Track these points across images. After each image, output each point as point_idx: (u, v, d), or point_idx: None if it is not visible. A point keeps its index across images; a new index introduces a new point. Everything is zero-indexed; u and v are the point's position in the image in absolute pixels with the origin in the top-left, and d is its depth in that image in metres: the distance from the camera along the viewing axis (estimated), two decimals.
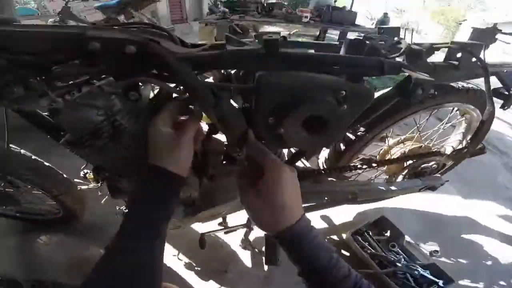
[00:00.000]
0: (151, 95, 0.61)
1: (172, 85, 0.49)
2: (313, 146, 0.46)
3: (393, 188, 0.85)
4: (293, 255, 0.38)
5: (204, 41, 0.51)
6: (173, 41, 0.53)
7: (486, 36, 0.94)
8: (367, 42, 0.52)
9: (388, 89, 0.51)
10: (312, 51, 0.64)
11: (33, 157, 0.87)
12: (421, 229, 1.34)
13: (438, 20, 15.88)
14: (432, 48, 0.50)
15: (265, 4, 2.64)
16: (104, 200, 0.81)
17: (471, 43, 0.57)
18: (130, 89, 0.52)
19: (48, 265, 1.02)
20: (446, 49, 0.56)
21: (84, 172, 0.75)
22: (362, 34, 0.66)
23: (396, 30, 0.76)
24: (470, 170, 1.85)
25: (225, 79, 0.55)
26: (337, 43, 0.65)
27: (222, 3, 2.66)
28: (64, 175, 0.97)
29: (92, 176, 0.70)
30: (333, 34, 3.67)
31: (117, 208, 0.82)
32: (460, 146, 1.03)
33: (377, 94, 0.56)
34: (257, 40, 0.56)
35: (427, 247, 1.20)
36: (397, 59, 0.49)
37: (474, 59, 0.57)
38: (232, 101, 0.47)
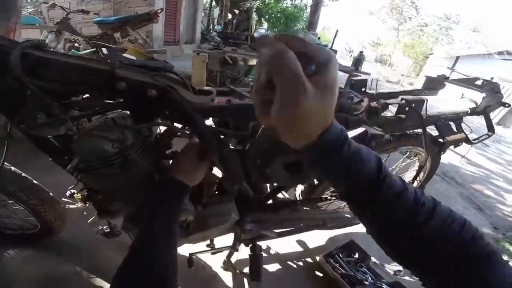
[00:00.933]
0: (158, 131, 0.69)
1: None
2: (291, 183, 0.57)
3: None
4: (334, 166, 0.29)
5: (209, 88, 0.62)
6: (187, 88, 0.64)
7: (436, 83, 1.16)
8: (341, 93, 0.68)
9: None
10: None
11: (23, 174, 0.89)
12: (383, 253, 1.45)
13: (409, 54, 17.68)
14: (386, 105, 0.66)
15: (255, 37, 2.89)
16: (90, 220, 0.81)
17: (416, 99, 0.74)
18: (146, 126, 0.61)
19: (15, 280, 0.98)
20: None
21: (71, 192, 0.76)
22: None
23: (364, 82, 0.93)
24: None
25: (223, 123, 0.66)
26: None
27: (217, 33, 2.86)
28: (50, 193, 0.97)
29: (79, 197, 0.73)
30: None
31: (99, 228, 0.85)
32: (415, 182, 1.22)
33: None
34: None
35: (391, 267, 1.31)
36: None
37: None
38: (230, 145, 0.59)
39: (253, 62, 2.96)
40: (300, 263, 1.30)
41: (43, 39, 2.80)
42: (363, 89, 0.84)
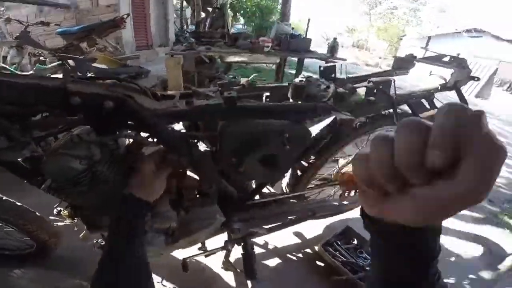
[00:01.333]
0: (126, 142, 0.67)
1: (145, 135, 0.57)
2: (268, 179, 0.56)
3: (345, 202, 0.99)
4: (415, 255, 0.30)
5: (173, 92, 0.60)
6: (146, 95, 0.62)
7: (405, 62, 1.18)
8: (310, 81, 0.67)
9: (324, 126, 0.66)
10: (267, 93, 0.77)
11: (4, 197, 0.91)
12: None
13: (383, 37, 18.12)
14: (354, 88, 0.66)
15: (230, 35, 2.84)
16: (81, 235, 0.81)
17: (383, 80, 0.75)
18: (111, 139, 0.58)
19: None
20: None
21: (57, 209, 0.76)
22: (306, 75, 0.82)
23: (333, 68, 0.93)
24: None
25: (193, 126, 0.64)
26: (287, 84, 0.79)
27: (189, 33, 2.78)
28: (37, 213, 0.99)
29: (66, 213, 0.73)
30: (294, 58, 4.03)
31: (94, 241, 0.83)
32: None
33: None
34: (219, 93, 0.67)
35: None
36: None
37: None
38: (203, 145, 0.57)
39: (231, 58, 2.92)
40: (300, 255, 1.30)
41: (4, 55, 2.63)
42: (332, 75, 0.84)
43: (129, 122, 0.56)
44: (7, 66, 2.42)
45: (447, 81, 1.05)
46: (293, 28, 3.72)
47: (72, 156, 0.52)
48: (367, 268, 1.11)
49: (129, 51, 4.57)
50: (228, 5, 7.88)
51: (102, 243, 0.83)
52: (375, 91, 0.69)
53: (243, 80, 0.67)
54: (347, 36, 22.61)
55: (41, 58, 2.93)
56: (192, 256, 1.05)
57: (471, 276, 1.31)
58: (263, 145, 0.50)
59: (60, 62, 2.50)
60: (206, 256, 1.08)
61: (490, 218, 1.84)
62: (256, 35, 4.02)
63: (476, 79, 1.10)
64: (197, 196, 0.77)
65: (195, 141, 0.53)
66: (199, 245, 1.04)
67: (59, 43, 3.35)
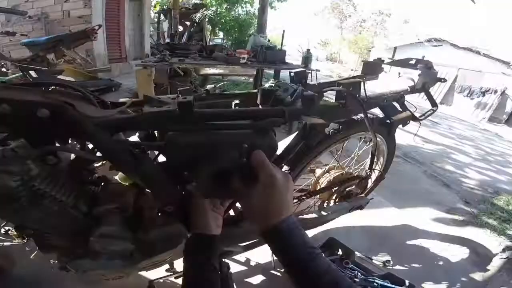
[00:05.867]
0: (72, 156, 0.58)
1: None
2: (224, 196, 0.51)
3: (324, 213, 0.95)
4: (278, 247, 0.43)
5: (125, 99, 0.54)
6: (90, 103, 0.54)
7: (374, 67, 1.19)
8: (278, 86, 0.63)
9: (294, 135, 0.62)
10: (237, 101, 0.72)
11: None
12: (368, 243, 1.43)
13: (354, 50, 19.33)
14: (322, 92, 0.64)
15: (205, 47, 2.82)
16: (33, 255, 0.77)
17: (352, 82, 0.73)
18: (47, 153, 0.50)
19: None
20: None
21: (5, 229, 0.72)
22: (274, 82, 0.79)
23: (304, 73, 0.91)
24: (397, 182, 2.11)
25: (150, 136, 0.57)
26: (256, 90, 0.75)
27: (162, 45, 2.72)
28: None
29: (15, 233, 0.68)
30: (270, 71, 4.11)
31: (51, 262, 0.75)
32: (377, 166, 1.22)
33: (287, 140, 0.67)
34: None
35: (379, 258, 1.27)
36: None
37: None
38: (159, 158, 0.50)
39: (207, 71, 2.88)
40: (283, 270, 1.22)
41: None
42: (303, 81, 0.81)
43: (68, 133, 0.49)
44: None
45: (415, 82, 1.06)
46: (269, 40, 3.82)
47: (4, 171, 0.45)
48: (355, 279, 1.05)
49: (101, 64, 4.40)
50: (207, 20, 7.97)
51: (59, 264, 0.73)
52: (344, 94, 0.67)
53: (208, 87, 0.62)
54: (321, 50, 23.88)
55: (3, 69, 2.72)
56: (160, 278, 0.99)
57: (462, 279, 1.30)
58: (217, 158, 0.44)
59: (21, 73, 2.33)
60: (176, 277, 1.01)
61: (469, 219, 1.88)
62: (234, 49, 4.07)
63: (443, 80, 1.14)
64: (158, 214, 0.69)
65: (145, 152, 0.46)
66: (168, 266, 0.96)
67: (25, 54, 3.13)
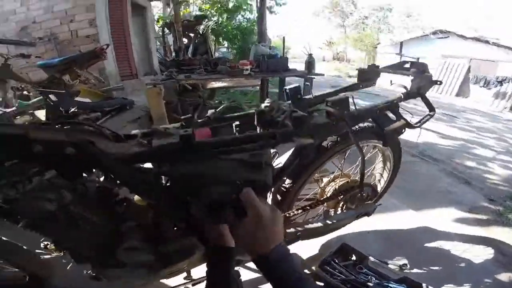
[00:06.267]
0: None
1: None
2: (219, 222, 0.56)
3: (329, 222, 0.98)
4: (267, 275, 0.48)
5: (136, 131, 0.61)
6: (106, 138, 0.62)
7: (370, 73, 1.21)
8: (272, 107, 0.69)
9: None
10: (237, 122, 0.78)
11: None
12: (384, 247, 1.40)
13: (360, 47, 19.03)
14: (311, 112, 0.69)
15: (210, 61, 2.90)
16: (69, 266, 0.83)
17: (339, 99, 0.76)
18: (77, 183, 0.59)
19: None
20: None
21: (44, 243, 0.81)
22: (270, 101, 0.83)
23: (298, 89, 0.96)
24: (413, 183, 2.03)
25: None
26: (253, 110, 0.81)
27: (168, 62, 2.85)
28: (24, 247, 0.97)
29: (53, 247, 0.78)
30: (276, 78, 4.09)
31: (84, 272, 0.82)
32: (385, 172, 1.24)
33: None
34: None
35: (396, 262, 1.24)
36: None
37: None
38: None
39: (213, 84, 2.98)
40: None
41: None
42: (298, 96, 0.87)
43: (92, 166, 0.57)
44: None
45: (408, 89, 1.05)
46: (271, 48, 3.87)
47: (43, 198, 0.55)
48: (369, 284, 1.06)
49: (114, 82, 4.57)
50: (210, 30, 8.17)
51: (93, 274, 0.83)
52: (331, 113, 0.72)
53: (209, 112, 0.69)
54: (327, 49, 23.71)
55: (25, 92, 2.88)
56: (178, 285, 1.05)
57: (487, 280, 1.24)
58: (211, 191, 0.51)
59: (41, 97, 2.47)
60: (193, 285, 1.07)
61: (494, 218, 1.77)
62: (239, 57, 4.11)
63: (439, 82, 1.11)
64: (175, 228, 0.77)
65: (157, 179, 0.53)
66: (185, 274, 1.02)
67: (44, 75, 3.32)
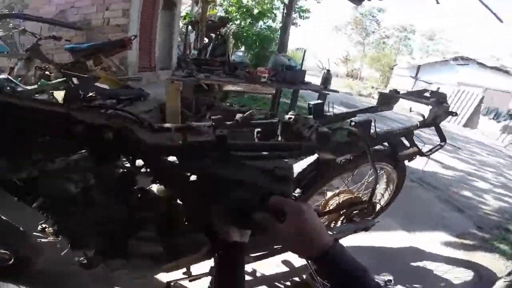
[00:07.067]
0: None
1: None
2: (243, 227, 0.58)
3: (330, 233, 1.01)
4: (331, 273, 0.45)
5: (168, 124, 0.64)
6: (142, 126, 0.66)
7: (389, 98, 1.25)
8: (297, 120, 0.73)
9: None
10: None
11: None
12: (372, 262, 1.44)
13: (376, 67, 19.06)
14: (337, 129, 0.73)
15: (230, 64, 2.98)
16: (63, 252, 0.81)
17: (364, 121, 0.80)
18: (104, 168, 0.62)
19: None
20: None
21: (42, 226, 0.76)
22: (295, 113, 0.87)
23: (321, 105, 1.00)
24: (410, 206, 2.12)
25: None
26: (277, 120, 0.85)
27: (191, 60, 2.94)
28: (21, 228, 0.97)
29: (51, 231, 0.72)
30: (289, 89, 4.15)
31: (76, 259, 0.81)
32: (386, 192, 1.27)
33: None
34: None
35: (381, 278, 1.29)
36: None
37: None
38: None
39: (229, 87, 3.04)
40: (288, 283, 1.28)
41: (12, 66, 2.68)
42: (320, 113, 0.90)
43: (126, 151, 0.60)
44: (11, 78, 2.47)
45: (425, 117, 1.09)
46: (289, 59, 3.95)
47: (68, 179, 0.55)
48: None
49: (132, 72, 4.64)
50: (231, 34, 8.31)
51: (84, 262, 0.80)
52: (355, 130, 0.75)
53: (238, 116, 0.72)
54: (342, 66, 23.81)
55: (46, 72, 2.97)
56: (177, 280, 1.06)
57: None
58: (239, 195, 0.52)
59: (64, 78, 2.56)
60: (190, 281, 1.07)
61: (480, 244, 1.87)
62: (254, 63, 4.21)
63: (454, 114, 1.15)
64: (185, 223, 0.79)
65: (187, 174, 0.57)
66: (185, 269, 1.03)
67: (66, 58, 3.40)
